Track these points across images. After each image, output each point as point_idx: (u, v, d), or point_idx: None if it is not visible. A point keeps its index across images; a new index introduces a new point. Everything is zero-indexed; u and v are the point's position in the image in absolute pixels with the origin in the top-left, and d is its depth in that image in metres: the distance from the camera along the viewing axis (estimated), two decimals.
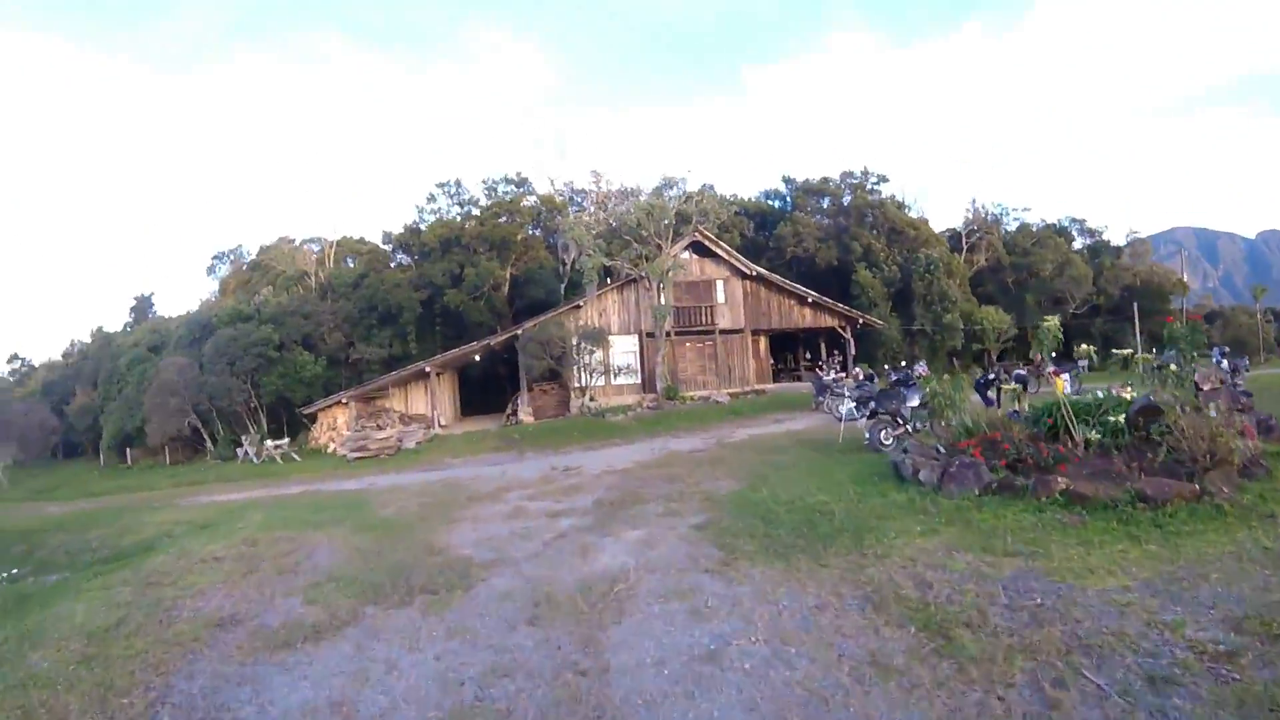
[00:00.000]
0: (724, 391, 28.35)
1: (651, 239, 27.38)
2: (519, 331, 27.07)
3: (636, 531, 7.81)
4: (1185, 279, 57.88)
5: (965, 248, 48.76)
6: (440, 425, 27.45)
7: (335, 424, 28.15)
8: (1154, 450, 7.86)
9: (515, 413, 27.67)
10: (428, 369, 27.60)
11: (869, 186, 47.42)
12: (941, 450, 9.21)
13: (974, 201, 63.57)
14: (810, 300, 32.55)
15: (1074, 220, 56.64)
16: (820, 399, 22.93)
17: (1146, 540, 5.97)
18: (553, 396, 28.50)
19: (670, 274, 27.58)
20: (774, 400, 26.22)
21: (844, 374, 27.31)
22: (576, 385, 26.80)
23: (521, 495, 10.88)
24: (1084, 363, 27.34)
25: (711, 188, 29.21)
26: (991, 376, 17.72)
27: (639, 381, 29.25)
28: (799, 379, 37.41)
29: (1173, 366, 9.60)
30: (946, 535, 6.68)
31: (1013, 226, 52.80)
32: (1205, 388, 10.13)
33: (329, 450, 25.72)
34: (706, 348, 30.81)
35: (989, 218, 52.38)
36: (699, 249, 30.76)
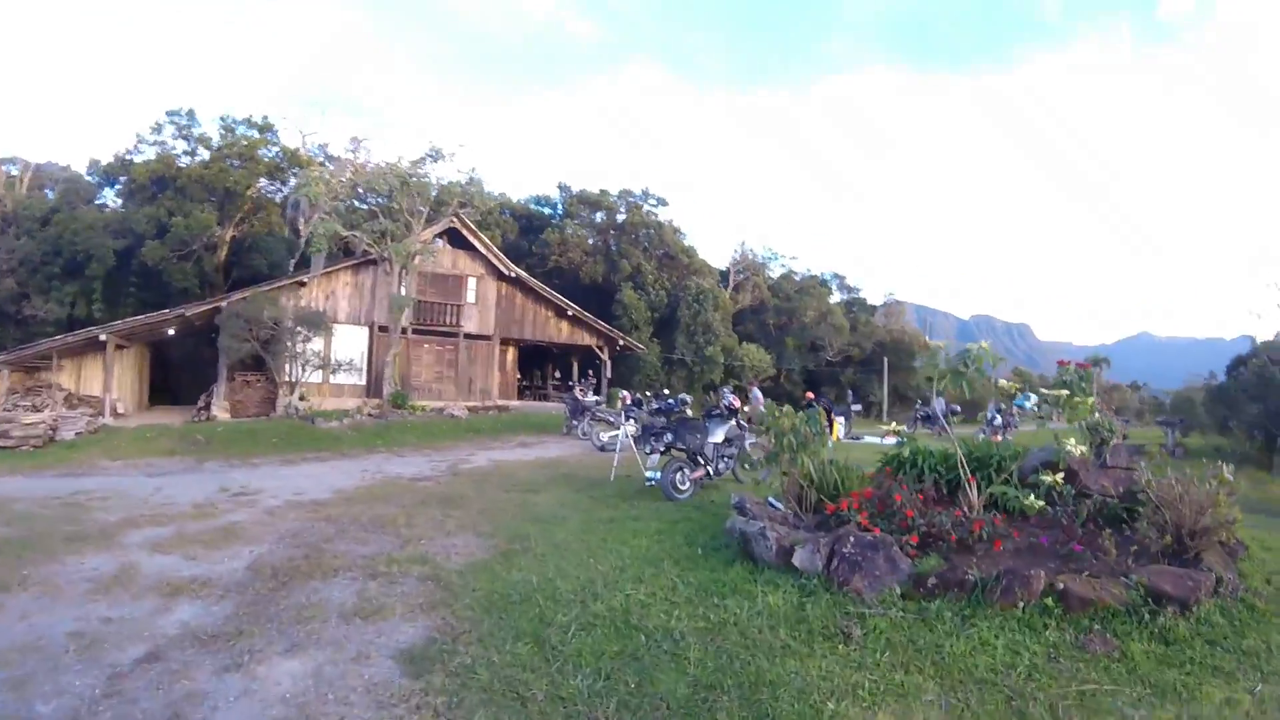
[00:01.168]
0: (462, 404, 26.86)
1: (402, 215, 25.49)
2: (223, 303, 23.98)
3: (294, 661, 4.78)
4: (928, 342, 65.90)
5: (731, 286, 51.67)
6: (116, 413, 23.53)
7: None
8: (1118, 524, 6.73)
9: (208, 407, 24.42)
10: (103, 337, 23.45)
11: (647, 208, 48.47)
12: (798, 513, 7.67)
13: (743, 244, 67.74)
14: (570, 314, 32.08)
15: (835, 275, 62.54)
16: (575, 423, 22.38)
17: (1234, 674, 4.53)
18: (257, 390, 25.54)
19: (417, 260, 25.79)
20: (519, 419, 25.32)
21: (599, 397, 27.08)
22: (287, 379, 24.20)
23: (151, 537, 8.21)
24: (857, 407, 29.63)
25: (479, 181, 27.49)
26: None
27: (364, 383, 26.98)
28: (545, 398, 36.98)
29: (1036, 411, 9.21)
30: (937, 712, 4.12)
31: (776, 273, 57.15)
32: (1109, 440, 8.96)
33: None
34: (447, 352, 29.24)
35: (758, 260, 56.33)
36: (455, 239, 29.19)
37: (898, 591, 5.65)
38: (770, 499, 8.37)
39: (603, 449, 18.09)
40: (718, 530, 7.89)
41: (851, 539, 6.15)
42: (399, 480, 12.63)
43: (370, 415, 22.99)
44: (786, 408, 8.92)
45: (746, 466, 12.20)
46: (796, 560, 6.22)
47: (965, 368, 7.45)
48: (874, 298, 64.50)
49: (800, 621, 5.25)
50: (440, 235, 28.63)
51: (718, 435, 11.61)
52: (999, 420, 26.99)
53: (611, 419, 19.62)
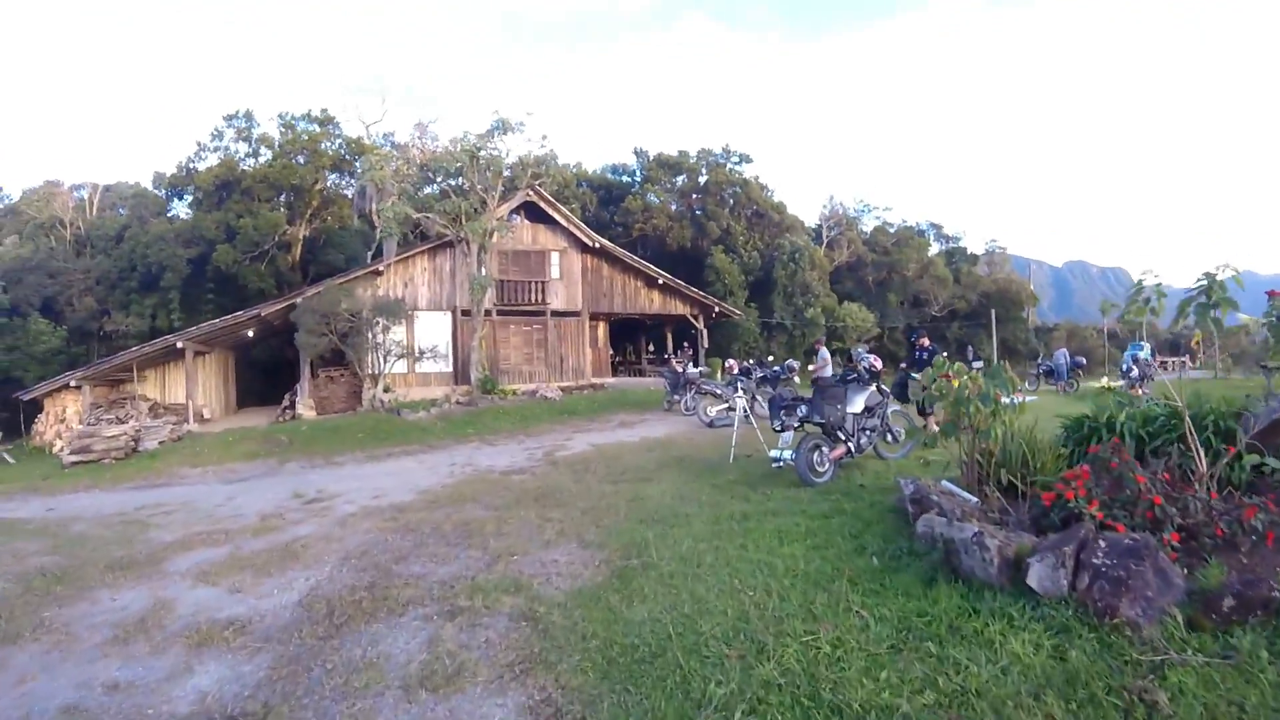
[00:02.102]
0: (555, 385, 25.54)
1: (475, 192, 24.18)
2: (298, 300, 23.19)
3: None
4: (1033, 292, 62.37)
5: (825, 243, 49.21)
6: (202, 418, 23.26)
7: (64, 414, 23.26)
8: None
9: (293, 405, 23.78)
10: (180, 344, 23.06)
11: (730, 166, 46.20)
12: (1004, 505, 5.89)
13: (832, 198, 65.03)
14: (661, 282, 30.33)
15: (932, 225, 59.36)
16: (676, 397, 20.73)
17: None
18: (342, 385, 24.76)
19: (495, 237, 24.45)
20: (615, 397, 23.78)
21: (703, 368, 25.20)
22: (370, 372, 23.28)
23: (200, 562, 7.01)
24: (978, 363, 27.24)
25: (552, 150, 26.04)
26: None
27: (450, 370, 25.94)
28: (640, 373, 35.48)
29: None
30: None
31: (870, 226, 54.41)
32: None
33: (55, 449, 20.92)
34: (535, 331, 27.88)
35: (849, 214, 53.71)
36: (532, 212, 27.76)
37: (1179, 618, 3.74)
38: (945, 482, 6.55)
39: (711, 425, 16.37)
40: (887, 528, 6.13)
41: (1102, 544, 4.22)
42: (490, 474, 11.07)
43: (459, 403, 21.82)
44: (958, 364, 6.98)
45: (890, 440, 10.31)
46: (1033, 579, 4.25)
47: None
48: (974, 246, 61.22)
49: (1070, 683, 3.35)
50: (516, 211, 27.28)
51: (857, 404, 9.57)
52: (1135, 372, 24.34)
53: (719, 391, 17.84)
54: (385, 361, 22.62)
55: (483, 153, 23.84)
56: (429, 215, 23.91)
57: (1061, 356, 29.60)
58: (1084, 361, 29.52)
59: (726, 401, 17.50)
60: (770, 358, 28.52)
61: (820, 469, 8.72)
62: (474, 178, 23.85)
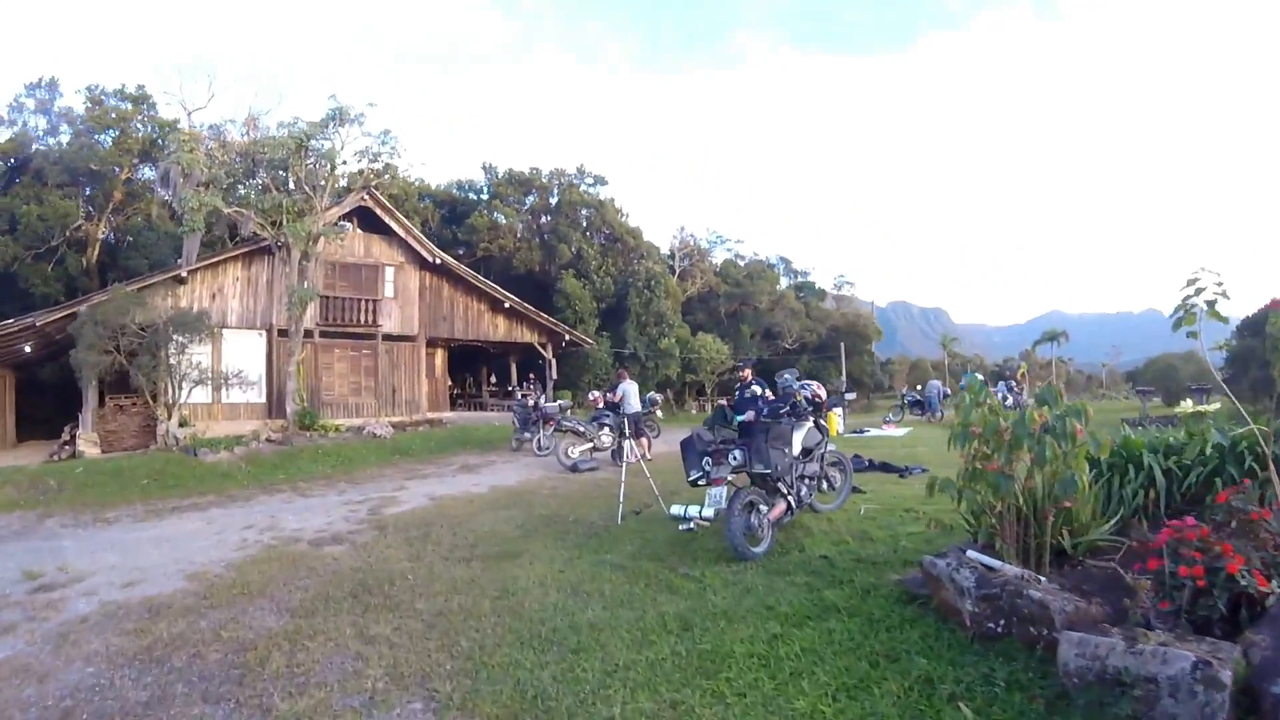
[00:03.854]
0: (385, 420, 22.79)
1: (301, 189, 21.25)
2: (80, 309, 19.42)
3: None
4: (879, 327, 64.31)
5: (676, 273, 48.50)
6: None
7: None
8: None
9: (74, 440, 19.91)
10: None
11: (584, 187, 44.69)
12: (1044, 575, 4.71)
13: (682, 229, 64.36)
14: (507, 306, 28.17)
15: (782, 259, 60.33)
16: (526, 435, 18.67)
17: None
18: (134, 417, 20.92)
19: (322, 244, 21.59)
20: (456, 435, 21.38)
21: (565, 402, 22.89)
22: (167, 400, 19.74)
23: None
24: (851, 395, 26.79)
25: (395, 144, 23.12)
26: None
27: (264, 400, 22.71)
28: (482, 407, 33.13)
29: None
30: None
31: (720, 259, 54.71)
32: None
33: None
34: (364, 358, 25.01)
35: (701, 245, 53.53)
36: (367, 220, 25.04)
37: None
38: (973, 552, 5.16)
39: (575, 469, 14.59)
40: (932, 637, 4.65)
41: None
42: (295, 544, 8.67)
43: (270, 440, 18.87)
44: (984, 390, 5.37)
45: (825, 487, 8.65)
46: None
47: None
48: (822, 282, 62.66)
49: None
50: (349, 218, 24.52)
51: (795, 446, 8.03)
52: (1010, 400, 24.72)
53: (582, 429, 15.88)
54: (181, 389, 19.18)
55: (314, 143, 20.99)
56: (242, 211, 20.79)
57: (934, 388, 29.91)
58: (948, 393, 29.80)
59: (591, 441, 15.59)
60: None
61: (759, 535, 7.07)
62: (301, 172, 20.97)
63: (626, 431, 13.42)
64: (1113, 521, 5.41)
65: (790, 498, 7.66)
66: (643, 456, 16.30)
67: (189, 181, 21.38)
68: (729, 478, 7.41)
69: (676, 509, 8.77)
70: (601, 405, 17.01)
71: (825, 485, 8.74)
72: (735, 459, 7.38)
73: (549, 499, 11.33)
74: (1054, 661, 3.78)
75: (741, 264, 54.42)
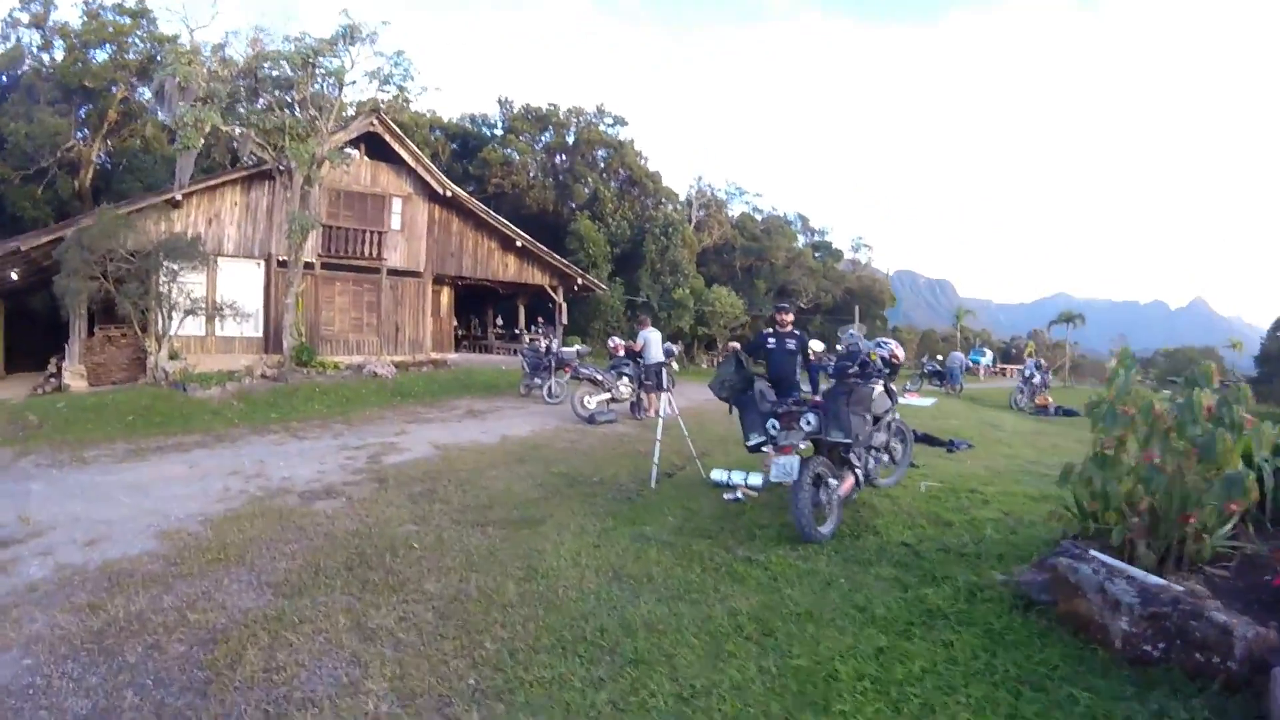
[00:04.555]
0: (387, 359, 21.71)
1: (307, 108, 19.96)
2: (66, 233, 18.27)
3: None
4: (893, 294, 63.18)
5: (692, 223, 47.21)
6: None
7: None
8: None
9: (59, 373, 18.91)
10: None
11: (603, 127, 43.10)
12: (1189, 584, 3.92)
13: (700, 179, 62.93)
14: (519, 245, 26.89)
15: (800, 216, 58.84)
16: (536, 381, 17.68)
17: None
18: (125, 349, 19.67)
19: (326, 169, 20.35)
20: (460, 378, 20.37)
21: (583, 347, 21.64)
22: (157, 331, 18.65)
23: None
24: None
25: (408, 67, 21.69)
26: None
27: (260, 334, 21.60)
28: (487, 349, 32.09)
29: None
30: None
31: (737, 211, 53.32)
32: None
33: None
34: (366, 292, 23.83)
35: (719, 196, 52.06)
36: (375, 148, 23.67)
37: None
38: (1098, 554, 4.35)
39: (591, 420, 13.58)
40: (1082, 671, 3.72)
41: None
42: (283, 497, 7.64)
43: (265, 377, 17.87)
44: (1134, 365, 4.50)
45: (887, 461, 7.65)
46: None
47: None
48: (839, 243, 61.37)
49: None
50: (356, 145, 23.22)
51: (879, 405, 7.04)
52: (1037, 378, 23.96)
53: (599, 377, 14.82)
54: (170, 319, 18.10)
55: (322, 60, 19.67)
56: (243, 128, 19.51)
57: (956, 359, 29.11)
58: (969, 365, 29.03)
59: (609, 391, 14.58)
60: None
61: (826, 512, 6.12)
62: (307, 91, 19.69)
63: (657, 382, 12.50)
64: (1228, 525, 4.60)
65: (859, 471, 6.67)
66: (658, 413, 15.39)
67: (186, 96, 19.98)
68: (799, 445, 6.38)
69: (718, 474, 7.88)
70: (621, 353, 15.96)
71: (887, 458, 7.76)
72: (809, 423, 6.34)
73: (567, 454, 10.31)
74: (1253, 701, 3.21)
75: (759, 218, 52.92)
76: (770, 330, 8.95)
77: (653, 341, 15.14)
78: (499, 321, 35.60)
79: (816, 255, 53.82)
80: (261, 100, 20.63)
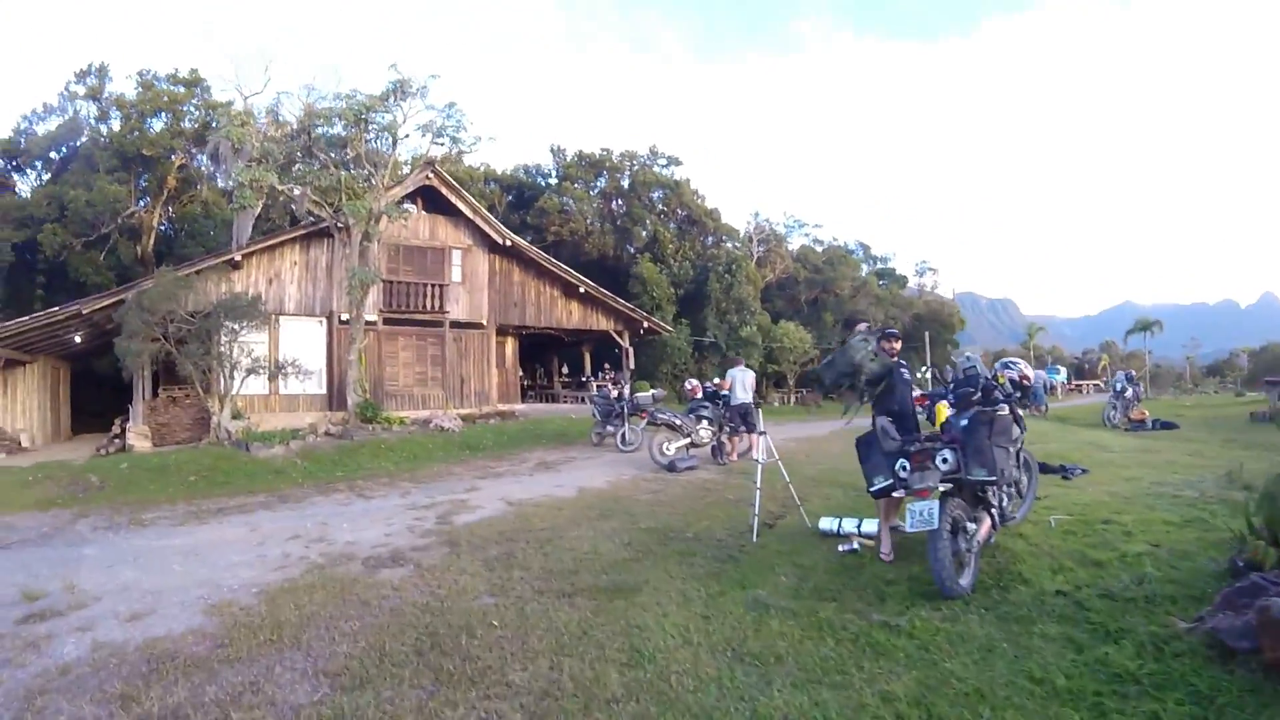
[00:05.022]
0: (453, 412, 21.24)
1: (363, 165, 19.82)
2: (127, 296, 18.29)
3: None
4: (962, 316, 61.39)
5: (754, 259, 46.51)
6: (19, 446, 19.07)
7: None
8: None
9: (124, 433, 18.85)
10: None
11: (657, 168, 42.81)
12: None
13: (757, 214, 62.01)
14: (582, 291, 26.39)
15: (860, 244, 57.75)
16: (609, 429, 17.01)
17: None
18: (188, 410, 19.63)
19: (384, 224, 20.15)
20: (529, 428, 19.77)
21: (658, 391, 20.74)
22: (219, 391, 18.49)
23: None
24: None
25: (461, 118, 21.49)
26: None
27: (324, 391, 21.34)
28: (553, 399, 31.57)
29: None
30: None
31: (796, 244, 52.58)
32: None
33: None
34: (430, 346, 23.48)
35: (778, 230, 51.33)
36: (431, 201, 23.47)
37: None
38: None
39: (672, 468, 12.69)
40: None
41: None
42: (346, 565, 6.85)
43: (329, 434, 17.47)
44: None
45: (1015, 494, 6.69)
46: None
47: None
48: (902, 268, 59.93)
49: None
50: (413, 199, 23.05)
51: (1011, 445, 6.21)
52: (1130, 392, 22.59)
53: (678, 422, 13.95)
54: (232, 378, 17.85)
55: (374, 116, 19.55)
56: (297, 187, 19.40)
57: (1039, 378, 27.73)
58: (1051, 384, 27.64)
59: (689, 436, 13.74)
60: (717, 380, 23.60)
61: (964, 561, 5.31)
62: (361, 148, 19.54)
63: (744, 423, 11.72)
64: None
65: (994, 510, 5.78)
66: (743, 454, 14.50)
67: (240, 157, 20.05)
68: (937, 487, 5.45)
69: (827, 523, 7.09)
70: (699, 395, 15.13)
71: (1014, 491, 6.82)
72: (946, 462, 5.46)
73: (652, 507, 9.44)
74: None
75: (819, 249, 51.99)
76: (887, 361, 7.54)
77: (739, 380, 14.29)
78: (564, 370, 35.17)
79: (881, 283, 52.72)
80: (316, 160, 20.59)
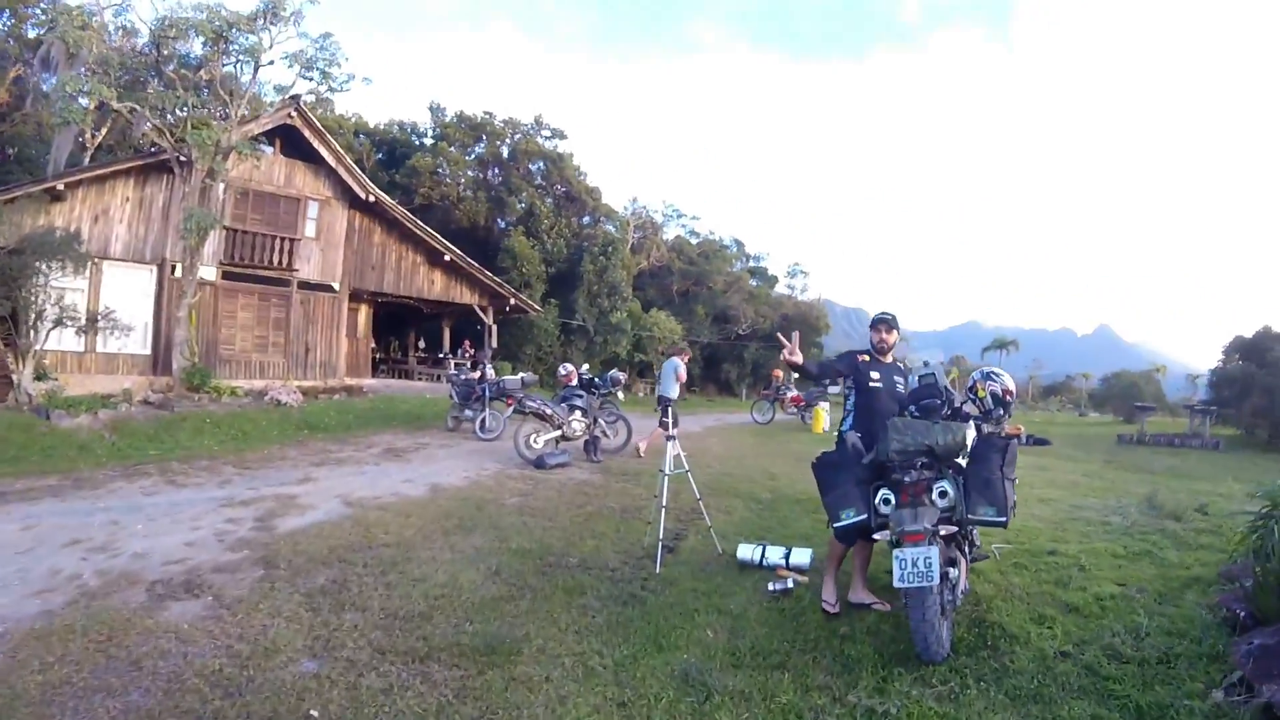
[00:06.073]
0: (294, 384, 19.38)
1: (216, 90, 17.66)
2: None
3: None
4: (829, 321, 62.85)
5: (628, 245, 45.84)
6: None
7: None
8: None
9: None
10: None
11: (540, 139, 41.41)
12: None
13: (635, 200, 61.20)
14: (448, 260, 24.94)
15: (736, 240, 58.01)
16: (468, 414, 15.79)
17: None
18: None
19: (233, 161, 18.09)
20: (379, 407, 18.23)
21: (528, 374, 19.32)
22: (26, 344, 15.99)
23: None
24: (835, 389, 24.44)
25: (335, 51, 19.54)
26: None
27: (149, 352, 19.12)
28: (408, 375, 29.76)
29: None
30: None
31: (672, 234, 52.45)
32: None
33: None
34: (274, 307, 21.52)
35: (655, 219, 50.82)
36: (291, 145, 21.47)
37: None
38: None
39: (540, 464, 11.52)
40: None
41: None
42: (125, 594, 5.28)
43: (149, 403, 15.45)
44: None
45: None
46: None
47: None
48: (774, 268, 60.79)
49: None
50: (270, 138, 20.88)
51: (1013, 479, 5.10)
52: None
53: (549, 411, 12.73)
54: (38, 331, 15.48)
55: (237, 36, 17.46)
56: (136, 107, 17.11)
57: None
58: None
59: (560, 428, 12.63)
60: (586, 366, 22.27)
61: (945, 616, 4.44)
62: (217, 71, 17.43)
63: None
64: None
65: (967, 548, 5.07)
66: (639, 453, 13.59)
67: (75, 64, 17.56)
68: (931, 528, 4.37)
69: (746, 551, 6.27)
70: (573, 382, 13.95)
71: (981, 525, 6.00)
72: (946, 496, 4.52)
73: (523, 516, 8.25)
74: None
75: (695, 241, 52.17)
76: (868, 355, 5.78)
77: (667, 373, 13.54)
78: (421, 344, 33.39)
79: (754, 281, 52.98)
80: (165, 80, 18.30)
